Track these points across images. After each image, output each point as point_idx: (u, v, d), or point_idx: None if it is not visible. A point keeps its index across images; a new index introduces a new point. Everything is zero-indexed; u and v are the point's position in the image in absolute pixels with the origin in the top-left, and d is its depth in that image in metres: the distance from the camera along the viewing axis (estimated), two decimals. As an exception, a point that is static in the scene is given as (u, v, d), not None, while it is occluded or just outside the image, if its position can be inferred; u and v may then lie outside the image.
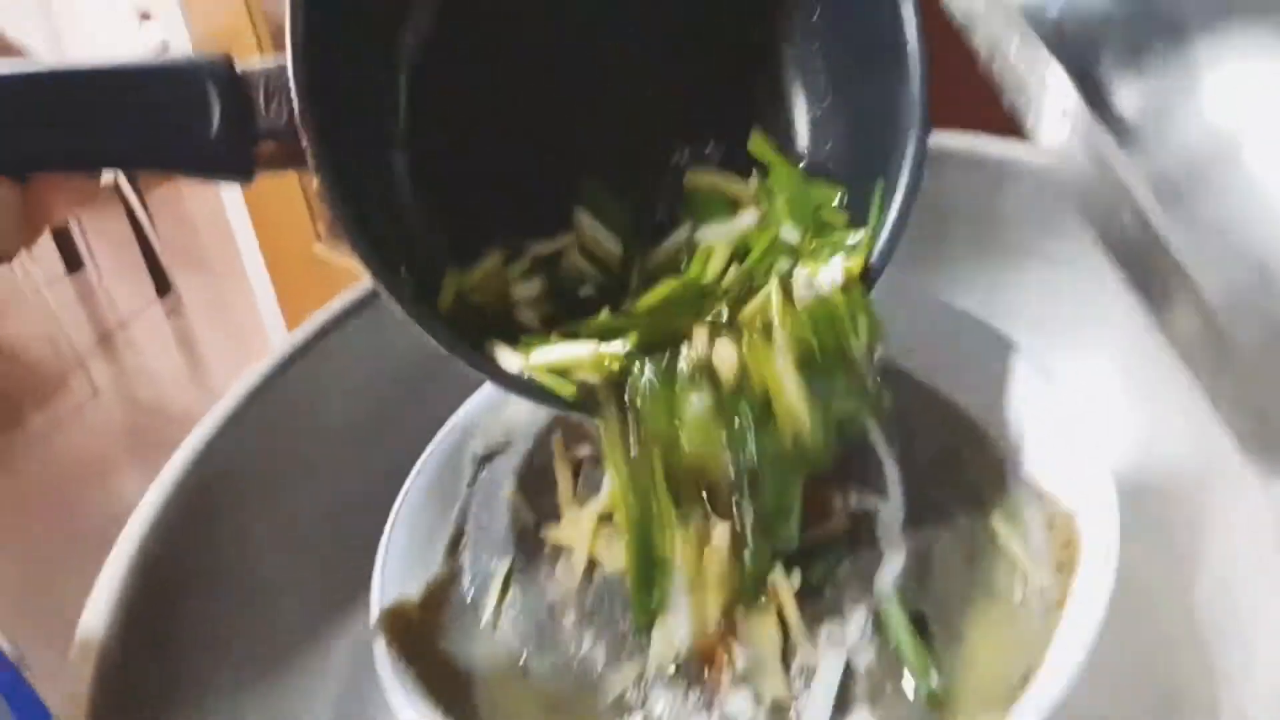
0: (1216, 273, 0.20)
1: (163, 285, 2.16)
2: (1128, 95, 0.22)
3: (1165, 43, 0.22)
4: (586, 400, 0.32)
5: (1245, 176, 0.21)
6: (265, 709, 0.39)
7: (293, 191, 1.73)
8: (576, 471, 0.39)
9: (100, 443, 1.73)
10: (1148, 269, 0.21)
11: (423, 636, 0.35)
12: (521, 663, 0.35)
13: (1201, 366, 0.22)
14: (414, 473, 0.40)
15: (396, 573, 0.36)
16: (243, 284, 1.87)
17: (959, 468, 0.39)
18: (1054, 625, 0.33)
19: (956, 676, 0.32)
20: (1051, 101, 0.22)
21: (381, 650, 0.33)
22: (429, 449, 0.41)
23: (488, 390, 0.43)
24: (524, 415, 0.43)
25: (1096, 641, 0.30)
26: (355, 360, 0.48)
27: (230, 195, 1.80)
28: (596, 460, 0.39)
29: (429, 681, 0.33)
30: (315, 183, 0.30)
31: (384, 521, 0.38)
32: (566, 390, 0.32)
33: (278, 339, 1.84)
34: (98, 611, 0.37)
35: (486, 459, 0.42)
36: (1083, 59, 0.22)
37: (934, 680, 0.32)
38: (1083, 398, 0.37)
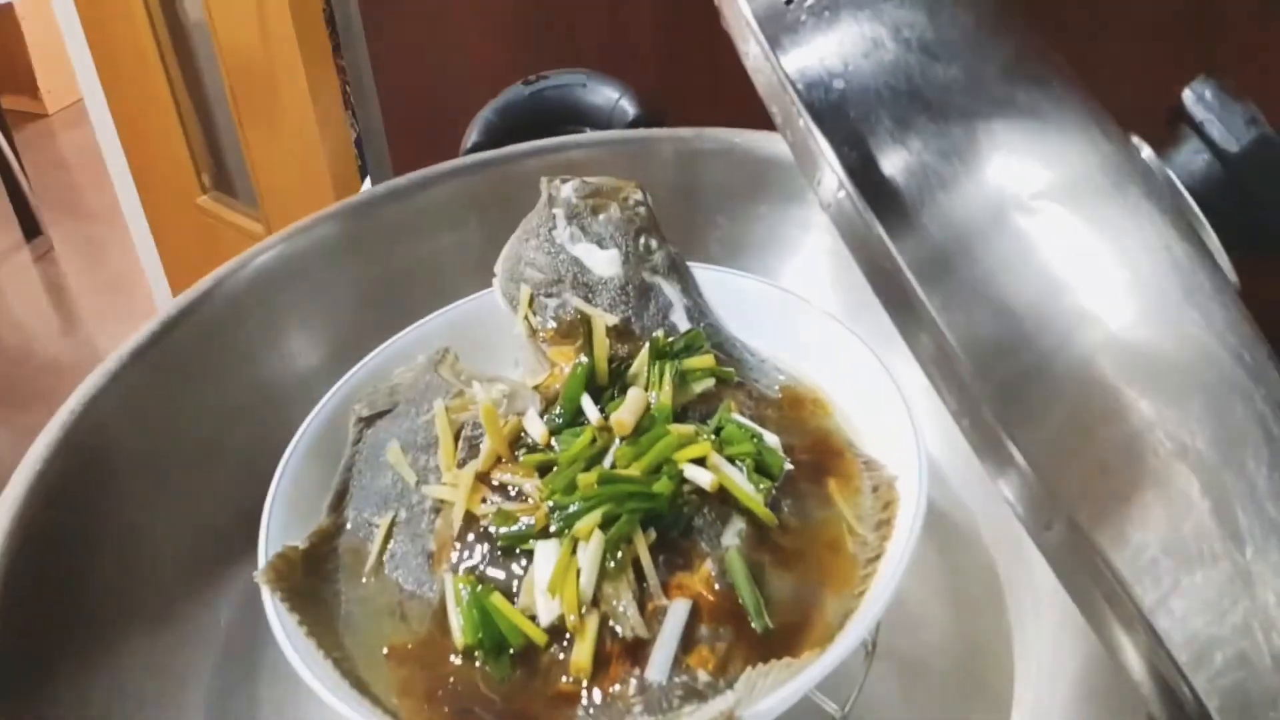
0: (959, 314, 0.25)
1: (31, 228, 2.07)
2: (895, 165, 0.26)
3: (931, 120, 0.27)
4: None
5: (993, 240, 0.26)
6: (152, 662, 0.41)
7: (174, 138, 1.68)
8: (456, 436, 0.43)
9: (-38, 391, 1.66)
10: (900, 306, 0.25)
11: (307, 582, 0.38)
12: (400, 605, 0.38)
13: (940, 387, 0.26)
14: (300, 431, 0.42)
15: (282, 523, 0.39)
16: (118, 231, 1.81)
17: (800, 433, 0.44)
18: (871, 575, 0.37)
19: (788, 619, 0.37)
20: (827, 172, 0.26)
21: (267, 595, 0.36)
22: (315, 409, 0.43)
23: (375, 359, 0.46)
24: (407, 380, 0.46)
25: (897, 590, 0.35)
26: (244, 322, 0.50)
27: (106, 137, 1.74)
28: (474, 424, 0.42)
29: (312, 625, 0.36)
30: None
31: (269, 481, 0.40)
32: None
33: (159, 291, 1.79)
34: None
35: (370, 420, 0.44)
36: (857, 132, 0.26)
37: (767, 620, 0.36)
38: (904, 372, 0.42)
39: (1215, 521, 0.26)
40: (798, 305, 0.47)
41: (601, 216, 0.48)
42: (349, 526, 0.41)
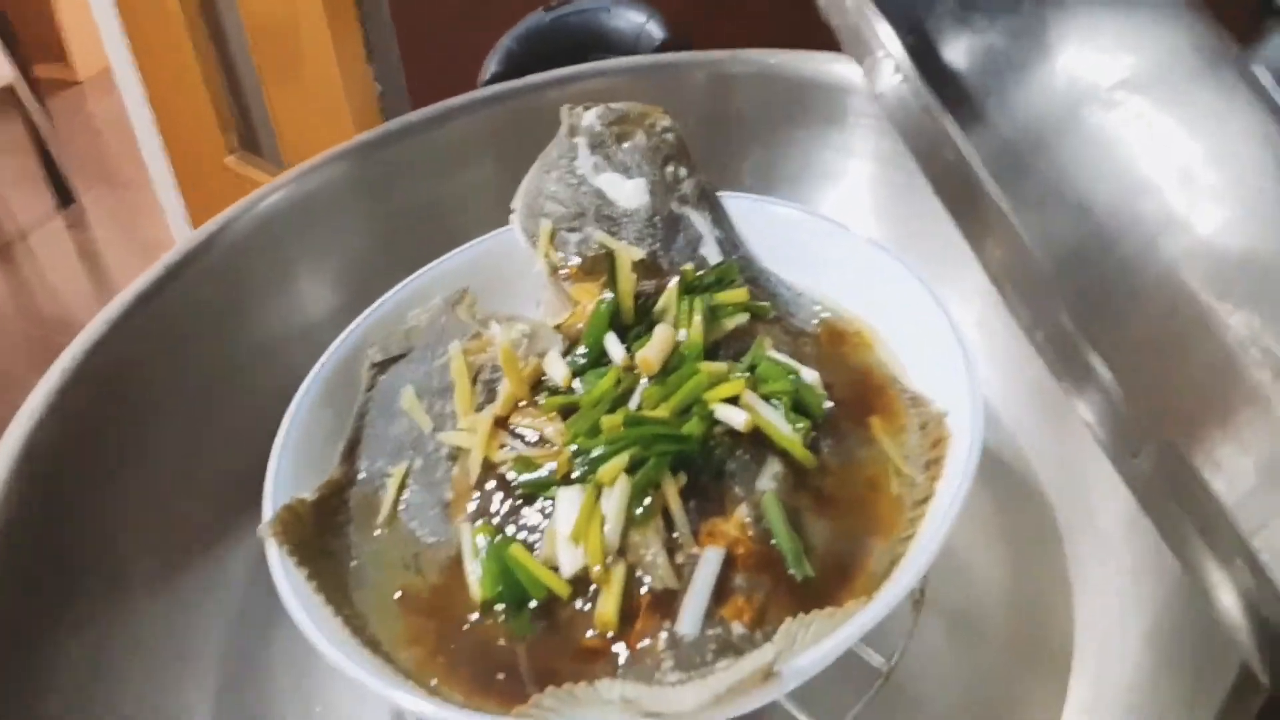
0: (1034, 215, 0.22)
1: (64, 196, 2.07)
2: (960, 50, 0.23)
3: (1004, 7, 0.24)
4: None
5: (1069, 134, 0.23)
6: (165, 620, 0.40)
7: (200, 100, 1.67)
8: (474, 379, 0.40)
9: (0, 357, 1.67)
10: (967, 206, 0.23)
11: (317, 536, 0.36)
12: (414, 558, 0.36)
13: (1012, 297, 0.23)
14: (309, 377, 0.40)
15: (290, 474, 0.37)
16: (150, 196, 1.81)
17: (840, 370, 0.41)
18: (919, 519, 0.35)
19: (829, 566, 0.34)
20: (883, 55, 0.23)
21: (273, 550, 0.34)
22: (325, 354, 0.41)
23: (389, 301, 0.43)
24: (423, 322, 0.43)
25: (949, 535, 0.32)
26: (253, 266, 0.48)
27: (134, 101, 1.73)
28: (492, 367, 0.40)
29: (320, 580, 0.34)
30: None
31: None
32: None
33: (188, 253, 1.79)
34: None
35: (384, 365, 0.42)
36: (916, 14, 0.23)
37: (807, 568, 0.33)
38: (956, 307, 0.39)
39: None
40: (838, 233, 0.44)
41: (627, 144, 0.45)
42: (362, 476, 0.39)
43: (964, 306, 0.37)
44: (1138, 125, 0.25)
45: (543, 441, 0.37)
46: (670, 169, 0.45)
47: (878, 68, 0.24)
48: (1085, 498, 0.40)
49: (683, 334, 0.39)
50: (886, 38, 0.23)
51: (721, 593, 0.33)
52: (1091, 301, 0.23)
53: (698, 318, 0.39)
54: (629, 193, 0.44)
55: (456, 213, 0.49)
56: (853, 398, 0.40)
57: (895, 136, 0.24)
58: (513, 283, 0.45)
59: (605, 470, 0.34)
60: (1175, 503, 0.21)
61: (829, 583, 0.34)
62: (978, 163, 0.23)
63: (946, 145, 0.23)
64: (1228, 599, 0.22)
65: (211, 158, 1.71)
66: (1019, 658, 0.39)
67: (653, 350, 0.38)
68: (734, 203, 0.45)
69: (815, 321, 0.43)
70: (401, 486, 0.38)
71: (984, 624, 0.40)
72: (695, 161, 0.45)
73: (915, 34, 0.23)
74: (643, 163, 0.44)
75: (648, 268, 0.42)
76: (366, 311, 0.43)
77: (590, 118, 0.46)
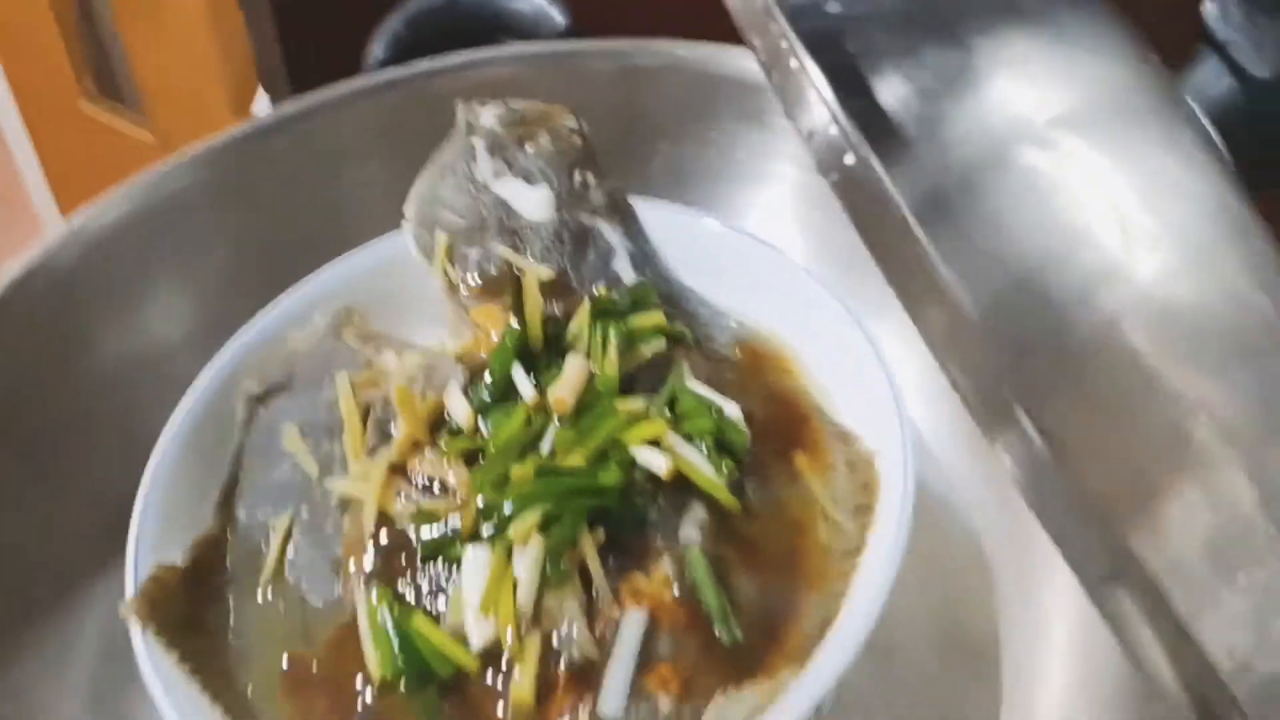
0: (964, 262, 0.21)
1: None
2: (890, 86, 0.22)
3: (936, 45, 0.23)
4: None
5: (1002, 176, 0.22)
6: (10, 688, 0.35)
7: (51, 37, 1.53)
8: (364, 416, 0.36)
9: None
10: (894, 252, 0.22)
11: (190, 608, 0.32)
12: (303, 626, 0.33)
13: (940, 350, 0.22)
14: (175, 417, 0.35)
15: (155, 536, 0.33)
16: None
17: (763, 397, 0.39)
18: (850, 572, 0.33)
19: (758, 626, 0.32)
20: (810, 92, 0.22)
21: (137, 634, 0.30)
22: (193, 387, 0.37)
23: (263, 321, 0.39)
24: (305, 348, 0.39)
25: (890, 595, 0.30)
26: (110, 278, 0.43)
27: (-28, 40, 1.58)
28: (386, 403, 0.36)
29: (196, 660, 0.30)
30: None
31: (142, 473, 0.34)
32: None
33: (40, 202, 1.66)
34: None
35: (262, 398, 0.38)
36: (843, 46, 0.22)
37: (736, 631, 0.31)
38: (879, 325, 0.37)
39: (1262, 514, 0.22)
40: (759, 250, 0.41)
41: (530, 148, 0.41)
42: (240, 530, 0.35)
43: (891, 336, 0.35)
44: (1073, 166, 0.24)
45: (445, 490, 0.34)
46: (578, 175, 0.41)
47: (804, 104, 0.22)
48: (1015, 534, 0.39)
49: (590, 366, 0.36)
50: (813, 72, 0.22)
51: (646, 659, 0.31)
52: (1023, 357, 0.22)
53: (612, 349, 0.36)
54: (533, 203, 0.40)
55: (337, 218, 0.45)
56: (776, 430, 0.37)
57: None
58: (407, 296, 0.41)
59: (516, 529, 0.31)
60: (1111, 580, 0.21)
61: (757, 645, 0.32)
62: (905, 207, 0.21)
63: (875, 186, 0.21)
64: (1163, 670, 0.21)
65: (65, 103, 1.58)
66: (950, 698, 0.38)
67: (565, 389, 0.35)
68: (648, 212, 0.42)
69: (734, 344, 0.40)
70: (286, 540, 0.34)
71: (912, 663, 0.39)
72: (602, 167, 0.42)
73: (842, 68, 0.22)
74: (547, 169, 0.41)
75: (556, 288, 0.39)
76: (238, 333, 0.38)
77: (488, 115, 0.42)
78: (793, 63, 0.22)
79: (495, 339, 0.38)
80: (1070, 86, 0.25)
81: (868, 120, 0.22)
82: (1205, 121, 0.29)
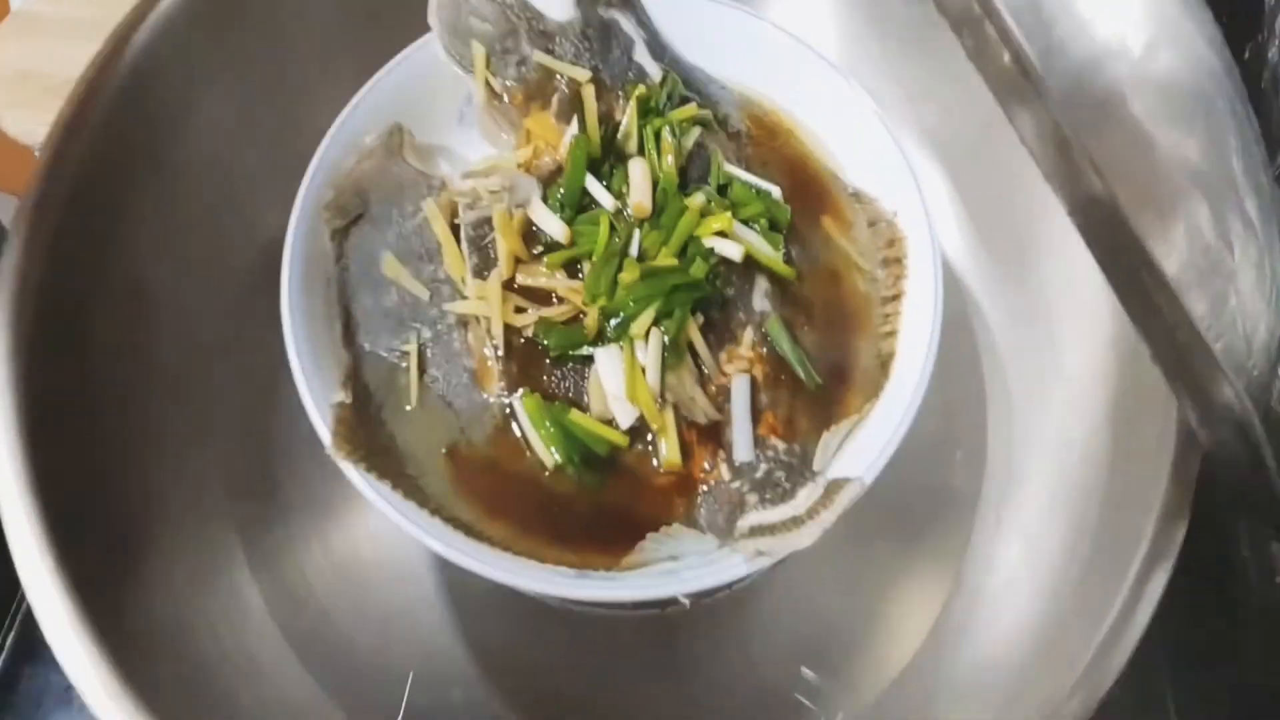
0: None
1: None
2: None
3: None
4: None
5: None
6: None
7: None
8: (455, 234, 0.39)
9: None
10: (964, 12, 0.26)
11: (371, 437, 0.36)
12: (461, 433, 0.38)
13: (1010, 102, 0.27)
14: (284, 272, 0.37)
15: (318, 382, 0.36)
16: None
17: (782, 168, 0.44)
18: (894, 315, 0.40)
19: (827, 371, 0.40)
20: None
21: (352, 471, 0.34)
22: (288, 238, 0.38)
23: (323, 151, 0.39)
24: (371, 173, 0.40)
25: (940, 338, 0.38)
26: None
27: None
28: (473, 226, 0.39)
29: (395, 480, 0.35)
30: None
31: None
32: None
33: None
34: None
35: (345, 230, 0.39)
36: None
37: (816, 377, 0.39)
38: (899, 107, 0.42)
39: (1215, 233, 0.30)
40: (751, 24, 0.44)
41: (537, -55, 0.41)
42: (370, 358, 0.38)
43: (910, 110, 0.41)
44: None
45: (552, 299, 0.38)
46: (583, -33, 0.42)
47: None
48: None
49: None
50: None
51: (753, 414, 0.38)
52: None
53: (668, 148, 0.40)
54: (557, 3, 0.41)
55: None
56: (803, 198, 0.43)
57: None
58: (432, 101, 0.43)
59: (638, 326, 0.37)
60: (1124, 257, 0.28)
61: (832, 386, 0.40)
62: None
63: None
64: (1167, 354, 0.30)
65: None
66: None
67: (641, 194, 0.39)
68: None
69: (744, 118, 0.44)
70: (421, 364, 0.38)
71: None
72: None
73: None
74: (556, -36, 0.41)
75: (595, 88, 0.41)
76: (309, 172, 0.39)
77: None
78: None
79: (552, 148, 0.40)
80: None
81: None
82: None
